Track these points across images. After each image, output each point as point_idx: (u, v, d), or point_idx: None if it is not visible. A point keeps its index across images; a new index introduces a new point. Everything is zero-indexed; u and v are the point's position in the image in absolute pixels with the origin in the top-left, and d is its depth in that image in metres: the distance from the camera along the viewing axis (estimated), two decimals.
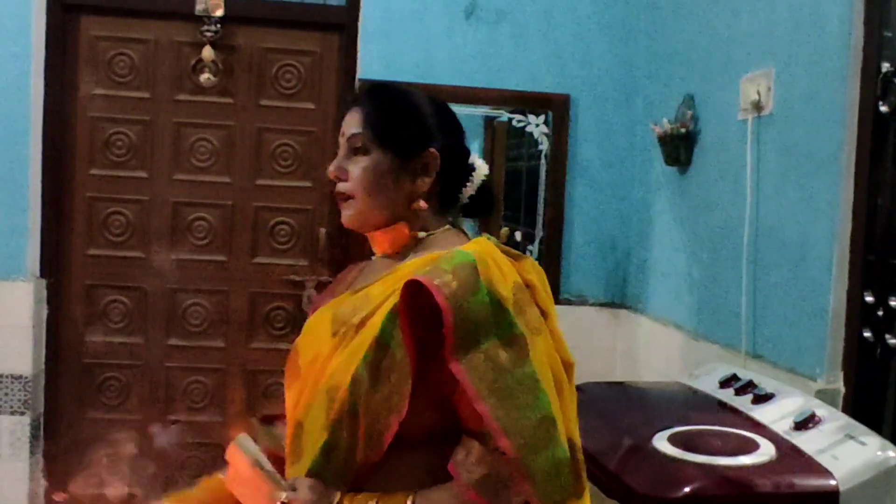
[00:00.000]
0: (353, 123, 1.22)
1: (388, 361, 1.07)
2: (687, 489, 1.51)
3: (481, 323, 1.03)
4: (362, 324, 1.13)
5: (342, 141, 1.24)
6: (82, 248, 3.41)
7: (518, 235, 3.51)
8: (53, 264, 3.37)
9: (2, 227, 3.23)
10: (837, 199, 1.94)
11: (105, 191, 3.40)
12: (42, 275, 3.33)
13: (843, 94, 1.93)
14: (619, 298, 3.41)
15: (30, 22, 3.21)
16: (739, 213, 2.37)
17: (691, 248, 2.78)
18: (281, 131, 3.45)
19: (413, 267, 1.14)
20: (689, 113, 2.77)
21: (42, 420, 3.38)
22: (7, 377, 3.25)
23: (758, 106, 2.29)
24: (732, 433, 1.74)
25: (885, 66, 1.86)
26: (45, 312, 3.35)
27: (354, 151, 1.21)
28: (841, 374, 1.94)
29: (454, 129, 1.29)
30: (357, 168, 1.20)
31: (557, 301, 3.37)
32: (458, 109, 3.17)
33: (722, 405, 2.01)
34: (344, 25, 3.36)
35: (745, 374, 2.11)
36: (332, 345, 1.16)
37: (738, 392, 2.02)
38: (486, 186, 1.30)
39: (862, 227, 1.91)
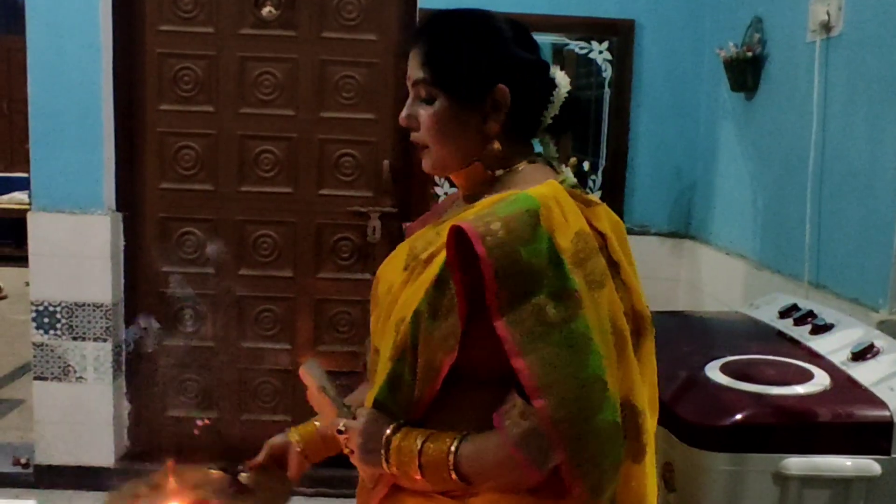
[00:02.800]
0: (414, 66, 1.17)
1: (447, 300, 1.05)
2: (734, 418, 1.52)
3: (532, 274, 0.99)
4: (429, 260, 1.12)
5: (409, 86, 1.20)
6: (155, 182, 3.50)
7: (586, 165, 3.46)
8: (128, 198, 3.47)
9: (79, 164, 3.34)
10: None
11: (174, 125, 3.47)
12: (118, 208, 3.44)
13: None
14: (683, 228, 3.37)
15: None
16: (806, 141, 2.30)
17: (757, 176, 2.73)
18: (343, 63, 3.44)
19: (485, 204, 1.12)
20: (757, 36, 2.68)
21: (124, 345, 3.52)
22: (89, 306, 3.39)
23: (827, 27, 2.21)
24: (787, 363, 1.73)
25: None
26: (121, 244, 3.47)
27: (420, 97, 1.17)
28: None
29: (526, 53, 1.18)
30: (425, 116, 1.16)
31: None
32: None
33: (780, 335, 1.99)
34: None
35: (805, 305, 2.09)
36: (404, 278, 1.16)
37: (798, 322, 2.00)
38: (570, 101, 1.22)
39: None
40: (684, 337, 2.04)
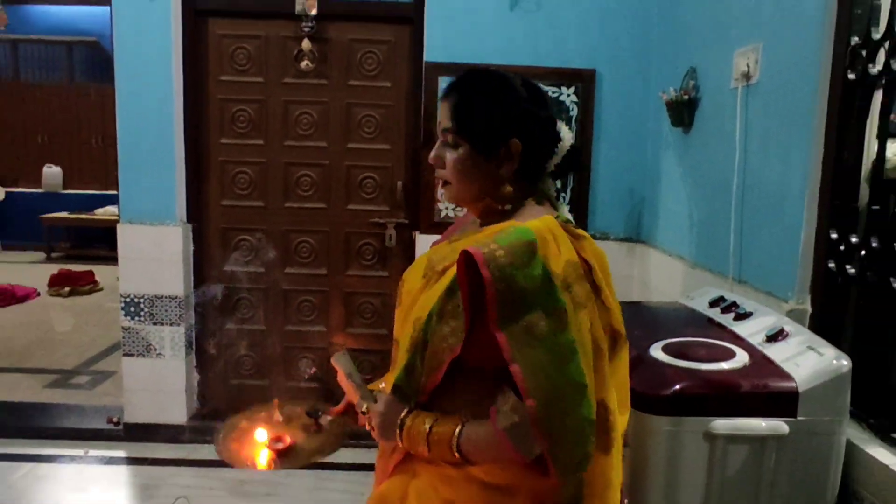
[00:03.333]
0: (444, 116, 1.15)
1: (453, 307, 1.04)
2: (673, 388, 1.52)
3: (526, 295, 0.98)
4: (443, 272, 1.11)
5: (438, 131, 1.17)
6: (217, 199, 3.50)
7: (559, 184, 3.45)
8: (196, 212, 3.47)
9: (158, 186, 3.34)
10: (809, 153, 1.87)
11: (232, 155, 3.47)
12: (188, 220, 3.44)
13: (818, 64, 1.84)
14: (635, 235, 3.36)
15: (170, 25, 3.24)
16: (730, 165, 2.30)
17: (692, 194, 2.72)
18: (365, 105, 3.44)
19: (488, 233, 1.10)
20: (692, 83, 2.67)
21: (193, 329, 3.52)
22: (166, 298, 3.40)
23: (747, 76, 2.20)
24: (715, 344, 1.72)
25: (854, 40, 1.76)
26: (191, 249, 3.46)
27: (446, 143, 1.15)
28: (808, 297, 1.89)
29: (538, 112, 1.14)
30: (450, 159, 1.14)
31: None
32: None
33: (710, 321, 1.98)
34: (412, 19, 3.31)
35: (730, 296, 2.08)
36: (422, 284, 1.15)
37: (724, 311, 2.00)
38: (571, 152, 1.18)
39: (829, 176, 1.84)
40: (635, 323, 2.02)
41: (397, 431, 1.09)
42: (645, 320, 2.07)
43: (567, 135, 1.18)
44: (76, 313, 6.01)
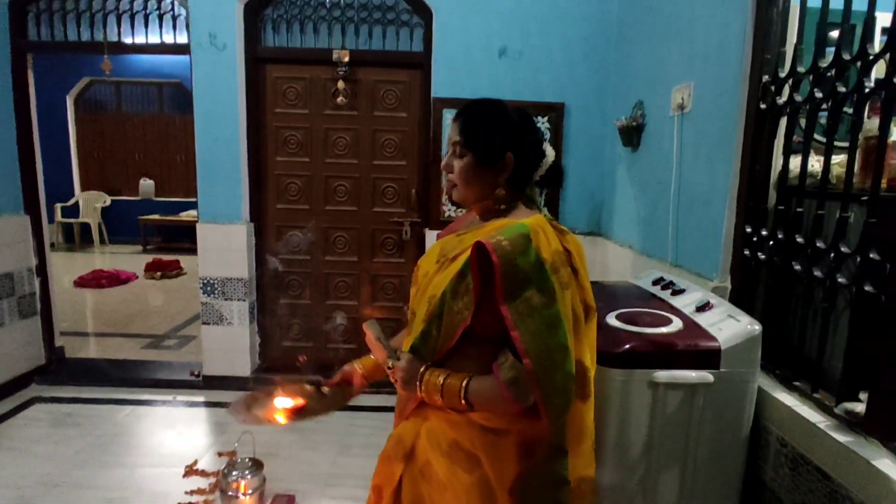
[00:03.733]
0: (454, 132, 1.14)
1: (464, 287, 1.04)
2: (624, 347, 1.51)
3: (526, 275, 0.98)
4: (454, 258, 1.10)
5: (449, 144, 1.16)
6: (273, 203, 3.48)
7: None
8: (257, 214, 3.45)
9: (228, 194, 3.33)
10: (730, 165, 1.85)
11: (284, 170, 3.45)
12: (251, 220, 3.42)
13: (737, 97, 1.82)
14: (596, 229, 3.33)
15: (236, 70, 3.23)
16: (669, 175, 2.27)
17: (639, 198, 2.70)
18: (386, 130, 3.41)
19: (490, 228, 1.09)
20: (640, 112, 2.64)
21: (255, 303, 3.51)
22: (234, 279, 3.39)
23: (682, 106, 2.18)
24: (656, 313, 1.71)
25: (765, 78, 1.74)
26: (253, 241, 3.45)
27: (455, 153, 1.14)
28: (728, 277, 1.87)
29: (529, 133, 1.14)
30: (457, 166, 1.13)
31: None
32: None
33: (652, 296, 1.97)
34: (422, 64, 3.28)
35: (668, 277, 2.06)
36: (436, 268, 1.14)
37: (663, 288, 1.98)
38: (553, 167, 1.17)
39: (745, 183, 1.82)
40: (596, 297, 2.02)
41: (417, 384, 1.08)
42: (603, 295, 2.05)
43: (550, 152, 1.18)
44: (166, 292, 6.01)
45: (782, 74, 1.67)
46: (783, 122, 1.69)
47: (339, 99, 3.30)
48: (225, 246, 3.36)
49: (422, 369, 1.08)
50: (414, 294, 1.19)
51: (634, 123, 2.65)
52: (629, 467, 1.52)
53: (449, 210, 3.29)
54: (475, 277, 1.01)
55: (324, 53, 3.25)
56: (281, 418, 1.32)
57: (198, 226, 3.37)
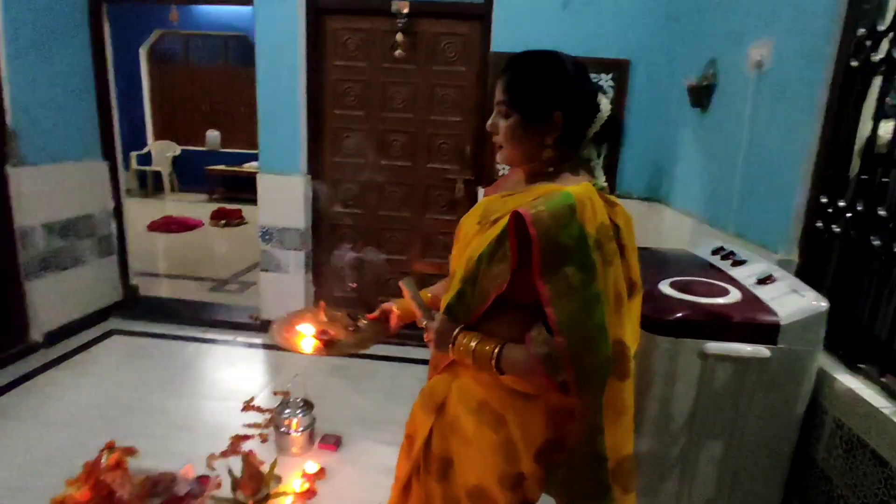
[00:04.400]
0: (499, 90, 1.07)
1: (501, 253, 1.00)
2: (675, 315, 1.45)
3: (565, 251, 0.92)
4: (495, 222, 1.05)
5: (495, 103, 1.09)
6: (329, 157, 3.52)
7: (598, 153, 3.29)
8: (314, 167, 3.50)
9: (287, 146, 3.39)
10: (810, 130, 1.70)
11: (342, 123, 3.46)
12: (308, 173, 3.47)
13: (825, 55, 1.65)
14: (654, 195, 3.19)
15: (296, 21, 3.22)
16: (738, 139, 2.13)
17: (703, 162, 2.55)
18: (444, 85, 3.35)
19: (535, 193, 1.02)
20: (712, 71, 2.46)
21: (311, 253, 3.60)
22: (291, 229, 3.49)
23: (760, 65, 2.01)
24: (713, 283, 1.63)
25: (860, 31, 1.56)
26: (310, 194, 3.51)
27: (500, 113, 1.08)
28: (797, 250, 1.76)
29: (580, 88, 1.03)
30: (502, 126, 1.07)
31: (612, 195, 3.21)
32: None
33: (710, 266, 1.88)
34: (483, 16, 3.16)
35: (729, 246, 1.96)
36: (476, 230, 1.10)
37: (723, 258, 1.89)
38: (610, 122, 1.06)
39: (825, 150, 1.68)
40: (648, 263, 1.94)
41: (450, 346, 1.07)
42: (657, 261, 1.99)
43: (605, 106, 1.07)
44: (229, 239, 6.28)
45: (882, 27, 1.50)
46: (876, 81, 1.53)
47: (398, 52, 3.24)
48: (283, 197, 3.44)
49: (455, 332, 1.07)
50: (455, 253, 1.17)
51: (705, 83, 2.47)
52: (670, 437, 1.49)
53: (503, 169, 3.22)
54: (512, 247, 0.97)
55: (383, 4, 3.19)
56: (307, 348, 1.34)
57: (258, 176, 3.46)
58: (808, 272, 1.70)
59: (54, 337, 3.27)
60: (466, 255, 1.07)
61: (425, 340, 1.14)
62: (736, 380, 1.44)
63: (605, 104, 1.07)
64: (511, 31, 3.08)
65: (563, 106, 1.02)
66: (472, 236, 1.10)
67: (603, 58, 3.07)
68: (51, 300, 3.26)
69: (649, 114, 3.11)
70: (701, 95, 2.52)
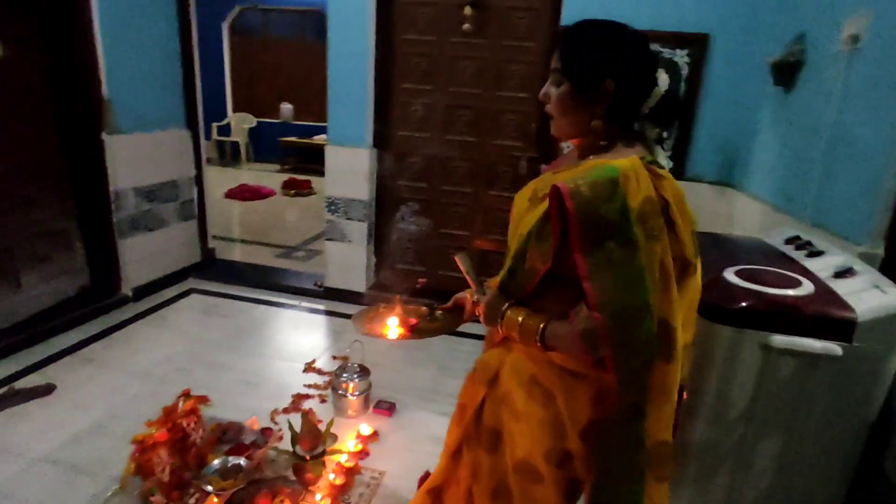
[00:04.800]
0: (555, 59, 1.05)
1: (548, 229, 0.99)
2: (739, 304, 1.39)
3: (605, 225, 0.89)
4: (543, 198, 1.04)
5: (550, 72, 1.07)
6: (396, 130, 3.56)
7: (665, 135, 3.15)
8: (380, 139, 3.54)
9: (354, 119, 3.44)
10: None
11: (409, 97, 3.48)
12: (374, 146, 3.53)
13: None
14: (727, 179, 3.02)
15: None
16: (823, 122, 1.97)
17: (782, 146, 2.38)
18: (512, 60, 3.29)
19: (583, 168, 1.00)
20: (799, 47, 2.27)
21: (374, 225, 3.68)
22: (356, 201, 3.57)
23: (855, 40, 1.84)
24: (784, 273, 1.54)
25: None
26: (375, 166, 3.57)
27: (553, 82, 1.06)
28: (882, 243, 1.63)
29: (636, 58, 1.00)
30: (553, 95, 1.06)
31: (681, 179, 3.06)
32: None
33: (783, 255, 1.77)
34: None
35: (805, 236, 1.84)
36: (527, 206, 1.10)
37: (798, 248, 1.77)
38: (667, 98, 1.03)
39: None
40: (715, 250, 1.87)
41: (498, 320, 1.09)
42: (725, 248, 1.90)
43: (664, 81, 1.03)
44: (298, 208, 6.52)
45: None
46: None
47: (466, 26, 3.21)
48: (349, 168, 3.53)
49: (504, 306, 1.08)
50: (510, 231, 1.17)
51: (791, 59, 2.29)
52: (725, 428, 1.44)
53: (567, 146, 3.14)
54: (554, 222, 0.96)
55: None
56: (392, 334, 1.42)
57: (326, 148, 3.56)
58: (894, 267, 1.57)
59: (141, 292, 3.55)
60: (518, 232, 1.08)
61: (476, 314, 1.15)
62: (801, 376, 1.37)
63: (663, 79, 1.03)
64: (583, 4, 2.96)
65: (615, 75, 0.99)
66: (523, 213, 1.10)
67: (680, 32, 2.90)
68: (139, 259, 3.52)
69: (726, 92, 2.93)
70: (785, 73, 2.34)
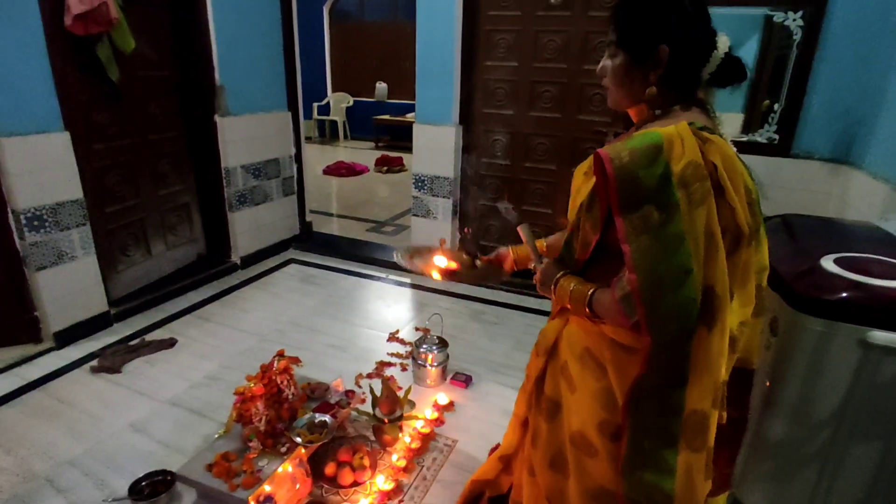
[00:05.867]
0: (610, 30, 1.03)
1: (598, 199, 0.98)
2: (835, 295, 1.25)
3: (645, 189, 0.87)
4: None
5: (606, 45, 1.05)
6: (480, 107, 3.53)
7: (776, 106, 2.85)
8: (465, 117, 3.55)
9: (439, 99, 3.47)
10: None
11: (493, 74, 3.43)
12: (460, 122, 3.53)
13: None
14: (844, 156, 2.69)
15: None
16: None
17: None
18: (600, 33, 3.12)
19: (631, 137, 0.96)
20: None
21: (458, 201, 3.71)
22: (441, 178, 3.62)
23: None
24: (893, 262, 1.36)
25: None
26: (460, 143, 3.58)
27: (609, 55, 1.04)
28: None
29: (693, 22, 0.96)
30: (609, 67, 1.04)
31: (787, 155, 2.77)
32: (738, 10, 2.56)
33: None
34: None
35: None
36: (583, 180, 1.10)
37: None
38: (728, 61, 0.98)
39: None
40: (816, 235, 1.69)
41: (552, 287, 1.10)
42: (827, 234, 1.70)
43: (724, 44, 0.97)
44: (390, 185, 6.70)
45: None
46: None
47: None
48: (435, 146, 3.56)
49: (558, 275, 1.09)
50: (570, 203, 1.16)
51: None
52: (809, 428, 1.32)
53: None
54: (600, 189, 0.95)
55: None
56: (436, 274, 1.47)
57: (414, 126, 3.61)
58: None
59: (247, 261, 3.85)
60: (573, 206, 1.09)
61: (533, 282, 1.17)
62: None
63: (723, 42, 0.97)
64: None
65: (669, 40, 0.95)
66: (579, 186, 1.10)
67: None
68: (245, 230, 3.82)
69: (847, 56, 2.58)
70: None
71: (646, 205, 0.87)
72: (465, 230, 3.64)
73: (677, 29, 0.96)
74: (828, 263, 1.37)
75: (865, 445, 1.29)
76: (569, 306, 1.08)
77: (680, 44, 0.96)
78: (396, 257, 1.56)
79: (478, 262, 1.47)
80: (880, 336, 1.20)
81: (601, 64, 1.06)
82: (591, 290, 1.02)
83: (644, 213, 0.87)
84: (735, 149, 0.96)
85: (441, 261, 1.50)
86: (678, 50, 0.96)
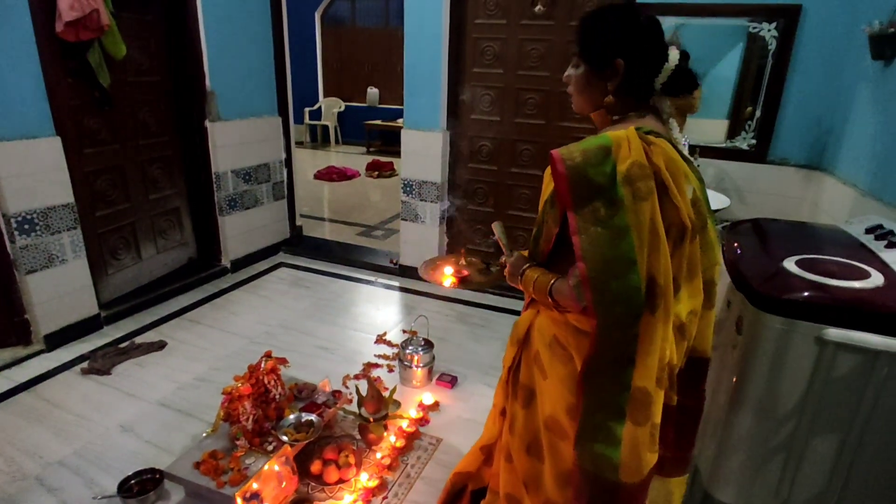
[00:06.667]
0: (575, 42, 1.12)
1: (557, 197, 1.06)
2: (792, 295, 1.30)
3: (594, 187, 0.95)
4: None
5: (571, 56, 1.14)
6: (467, 114, 3.58)
7: (758, 113, 2.92)
8: (452, 123, 3.59)
9: (427, 105, 3.50)
10: None
11: (480, 81, 3.48)
12: (447, 128, 3.57)
13: None
14: (816, 163, 2.77)
15: None
16: None
17: (881, 126, 2.15)
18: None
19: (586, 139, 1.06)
20: None
21: (446, 205, 3.74)
22: (429, 182, 3.65)
23: None
24: (852, 264, 1.42)
25: None
26: (448, 149, 3.62)
27: (573, 64, 1.13)
28: None
29: (645, 40, 1.05)
30: (572, 76, 1.13)
31: (763, 162, 2.85)
32: (721, 21, 2.58)
33: (860, 245, 1.62)
34: None
35: (890, 225, 1.66)
36: (549, 179, 1.15)
37: (878, 238, 1.61)
38: (678, 71, 1.07)
39: None
40: (783, 238, 1.75)
41: (519, 278, 1.17)
42: (794, 237, 1.76)
43: (674, 57, 1.06)
44: (381, 189, 6.73)
45: None
46: None
47: (537, 8, 3.15)
48: (423, 151, 3.61)
49: (524, 266, 1.16)
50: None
51: (892, 30, 2.06)
52: (774, 422, 1.37)
53: None
54: (556, 187, 1.02)
55: None
56: (447, 282, 1.54)
57: (402, 131, 3.65)
58: None
59: (237, 265, 3.87)
60: (541, 202, 1.16)
61: (504, 273, 1.25)
62: (861, 373, 1.27)
63: (673, 55, 1.07)
64: None
65: (625, 54, 1.04)
66: (546, 184, 1.16)
67: (770, 3, 2.67)
68: (236, 234, 3.85)
69: (818, 68, 2.67)
70: (885, 45, 2.11)
71: (595, 200, 0.95)
72: (462, 251, 3.69)
73: (632, 44, 1.06)
74: (789, 264, 1.42)
75: (823, 437, 1.34)
76: (534, 296, 1.15)
77: (634, 57, 1.05)
78: (420, 271, 1.66)
79: (493, 268, 1.54)
80: (835, 333, 1.26)
81: (567, 72, 1.15)
82: (553, 280, 1.09)
83: (593, 207, 0.95)
84: (686, 151, 1.03)
85: (450, 270, 1.57)
86: (633, 63, 1.05)
